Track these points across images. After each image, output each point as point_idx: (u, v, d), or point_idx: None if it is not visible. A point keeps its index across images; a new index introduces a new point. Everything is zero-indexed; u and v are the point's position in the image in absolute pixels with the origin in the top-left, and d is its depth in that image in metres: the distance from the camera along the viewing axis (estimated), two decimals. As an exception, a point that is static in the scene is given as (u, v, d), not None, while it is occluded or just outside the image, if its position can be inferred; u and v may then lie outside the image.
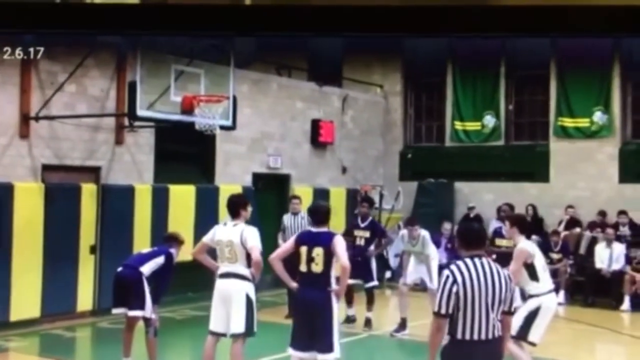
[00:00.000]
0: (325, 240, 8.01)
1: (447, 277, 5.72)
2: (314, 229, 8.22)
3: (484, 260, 5.80)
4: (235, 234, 8.66)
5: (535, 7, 4.68)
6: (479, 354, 5.73)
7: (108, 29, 4.96)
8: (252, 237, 8.60)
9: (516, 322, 9.16)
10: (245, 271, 8.64)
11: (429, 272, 12.55)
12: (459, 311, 5.68)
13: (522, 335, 9.20)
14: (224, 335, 8.74)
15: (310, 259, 7.99)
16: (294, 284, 8.25)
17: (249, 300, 8.61)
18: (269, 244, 11.10)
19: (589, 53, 18.63)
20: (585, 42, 17.94)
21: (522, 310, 9.11)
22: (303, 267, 8.06)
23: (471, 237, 5.95)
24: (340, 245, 8.01)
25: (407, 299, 12.72)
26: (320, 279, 7.98)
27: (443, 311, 5.71)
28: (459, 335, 5.71)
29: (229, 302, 8.62)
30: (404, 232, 13.18)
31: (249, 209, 8.99)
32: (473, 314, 5.67)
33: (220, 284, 8.80)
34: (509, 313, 5.89)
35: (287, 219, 13.97)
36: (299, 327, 8.09)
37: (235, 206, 8.92)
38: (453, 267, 5.77)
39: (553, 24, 4.68)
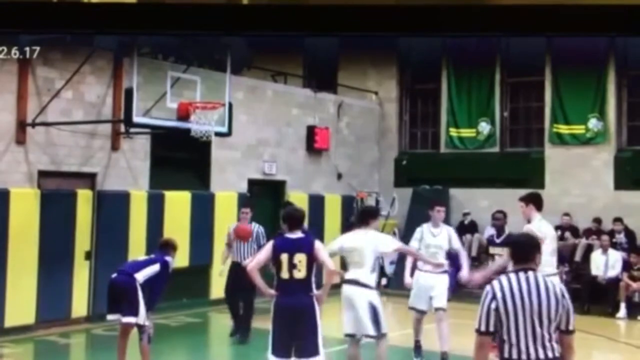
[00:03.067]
0: (307, 246, 7.99)
1: (487, 292, 5.36)
2: (290, 235, 8.12)
3: (531, 274, 5.37)
4: (367, 241, 9.17)
5: (532, 6, 4.69)
6: None
7: (104, 28, 4.96)
8: (389, 243, 9.56)
9: None
10: (369, 278, 9.14)
11: (439, 290, 11.09)
12: (502, 328, 5.31)
13: None
14: (353, 336, 9.22)
15: (292, 266, 7.93)
16: (271, 292, 8.16)
17: (372, 305, 9.06)
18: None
19: (584, 60, 18.68)
20: (579, 49, 18.00)
21: None
22: (284, 274, 7.97)
23: (516, 250, 5.56)
24: (322, 250, 8.09)
25: (421, 326, 11.45)
26: (303, 285, 7.96)
27: (483, 328, 5.34)
28: (506, 354, 5.33)
29: (356, 307, 9.08)
30: (422, 227, 11.45)
31: (378, 219, 9.74)
32: (517, 332, 5.27)
33: (347, 290, 9.19)
34: (567, 332, 5.35)
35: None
36: (281, 334, 8.03)
37: (365, 215, 9.53)
38: (494, 282, 5.41)
39: (549, 23, 4.70)
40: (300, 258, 7.93)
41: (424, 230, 11.28)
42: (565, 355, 5.36)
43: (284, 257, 7.98)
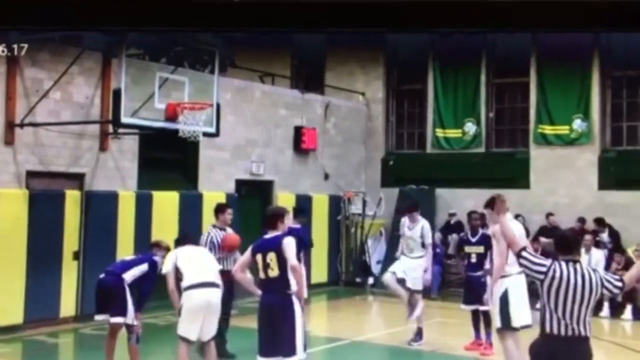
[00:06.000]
0: (276, 244, 8.02)
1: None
2: (267, 235, 8.23)
3: (578, 265, 6.05)
4: None
5: (521, 1, 4.77)
6: (562, 349, 5.99)
7: (93, 25, 5.01)
8: None
9: (495, 314, 9.34)
10: None
11: (415, 273, 12.35)
12: (548, 304, 6.02)
13: (506, 324, 9.29)
14: None
15: (266, 265, 8.01)
16: (258, 292, 8.26)
17: None
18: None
19: (569, 61, 18.85)
20: (564, 50, 18.16)
21: (495, 300, 9.23)
22: (261, 274, 8.09)
23: (563, 244, 6.24)
24: (288, 246, 7.99)
25: (405, 296, 12.44)
26: (278, 283, 7.99)
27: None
28: (547, 329, 6.02)
29: None
30: (405, 219, 12.79)
31: None
32: (560, 311, 5.99)
33: None
34: (623, 285, 6.11)
35: (213, 234, 11.17)
36: (263, 334, 8.12)
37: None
38: (552, 263, 6.11)
39: (536, 19, 4.78)
40: (272, 257, 7.99)
41: (405, 222, 12.73)
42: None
43: (259, 257, 8.08)
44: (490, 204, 9.43)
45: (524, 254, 6.21)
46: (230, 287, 10.80)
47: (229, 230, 11.29)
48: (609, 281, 6.09)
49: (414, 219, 12.54)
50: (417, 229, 12.46)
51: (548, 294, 6.01)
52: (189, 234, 10.25)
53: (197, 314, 9.10)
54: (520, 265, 6.31)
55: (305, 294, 8.32)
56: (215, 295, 9.19)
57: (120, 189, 14.79)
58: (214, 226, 11.20)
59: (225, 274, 10.86)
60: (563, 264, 6.06)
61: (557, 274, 5.99)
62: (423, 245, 12.45)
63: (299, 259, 11.20)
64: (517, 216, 18.29)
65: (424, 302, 12.76)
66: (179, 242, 9.85)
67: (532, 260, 6.15)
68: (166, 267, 9.38)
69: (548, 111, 19.55)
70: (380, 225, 20.14)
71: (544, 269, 6.05)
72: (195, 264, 9.29)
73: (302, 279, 8.16)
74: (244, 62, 18.13)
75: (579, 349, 6.02)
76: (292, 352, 7.94)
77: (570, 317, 5.95)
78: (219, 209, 11.41)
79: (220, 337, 10.72)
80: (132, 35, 12.65)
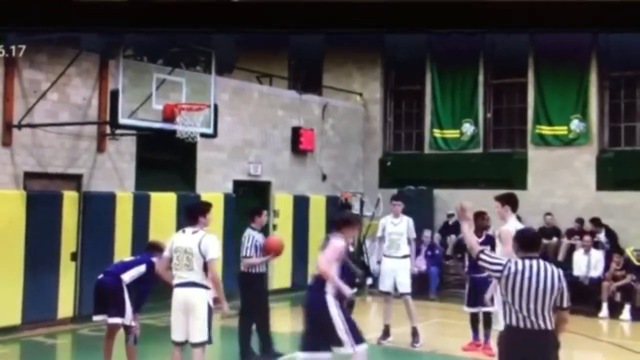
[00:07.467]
0: (324, 245, 8.25)
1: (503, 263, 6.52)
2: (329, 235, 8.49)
3: (534, 261, 6.43)
4: None
5: (515, 2, 4.77)
6: (522, 341, 6.34)
7: (92, 26, 5.00)
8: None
9: (498, 315, 9.31)
10: None
11: (402, 276, 12.56)
12: (507, 298, 6.40)
13: None
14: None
15: (316, 263, 8.31)
16: None
17: None
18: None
19: (566, 61, 18.84)
20: (562, 51, 18.16)
21: (497, 302, 9.21)
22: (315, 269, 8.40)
23: (523, 241, 6.63)
24: (329, 249, 8.16)
25: (390, 306, 12.68)
26: (316, 282, 8.19)
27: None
28: (508, 321, 6.42)
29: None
30: (386, 218, 13.10)
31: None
32: (518, 304, 6.32)
33: None
34: (562, 308, 6.45)
35: (258, 237, 11.23)
36: (303, 328, 8.33)
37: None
38: (509, 261, 6.50)
39: (533, 19, 4.78)
40: (319, 257, 8.24)
41: (387, 221, 12.91)
42: (558, 325, 6.46)
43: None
44: (506, 200, 9.27)
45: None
46: (262, 289, 11.21)
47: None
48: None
49: (398, 212, 12.80)
50: (402, 224, 12.73)
51: (506, 290, 6.38)
52: (194, 209, 9.30)
53: (178, 314, 8.85)
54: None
55: (348, 292, 8.36)
56: (194, 295, 8.74)
57: (117, 190, 14.78)
58: (252, 229, 11.17)
59: (259, 277, 11.11)
60: (519, 261, 6.43)
61: (512, 270, 6.36)
62: (408, 242, 12.72)
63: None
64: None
65: (422, 302, 12.77)
66: (184, 223, 9.56)
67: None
68: (165, 252, 9.13)
69: (546, 112, 19.55)
70: (378, 227, 20.10)
71: (500, 267, 6.45)
72: (181, 260, 8.90)
73: (333, 280, 8.11)
74: (242, 63, 18.14)
75: (540, 341, 6.30)
76: (338, 343, 8.06)
77: (527, 311, 6.29)
78: (256, 212, 11.43)
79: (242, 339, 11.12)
80: (129, 37, 12.65)
